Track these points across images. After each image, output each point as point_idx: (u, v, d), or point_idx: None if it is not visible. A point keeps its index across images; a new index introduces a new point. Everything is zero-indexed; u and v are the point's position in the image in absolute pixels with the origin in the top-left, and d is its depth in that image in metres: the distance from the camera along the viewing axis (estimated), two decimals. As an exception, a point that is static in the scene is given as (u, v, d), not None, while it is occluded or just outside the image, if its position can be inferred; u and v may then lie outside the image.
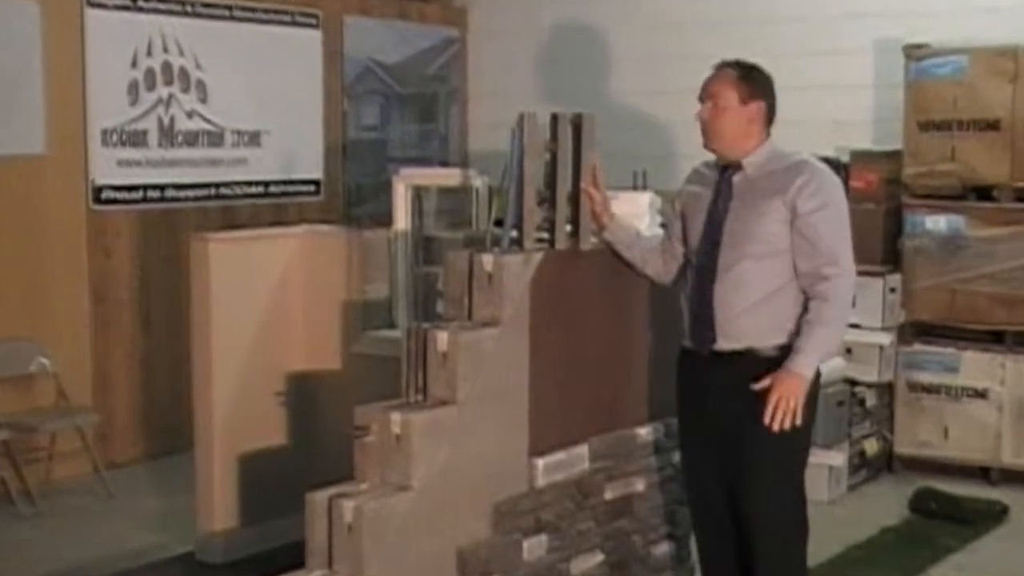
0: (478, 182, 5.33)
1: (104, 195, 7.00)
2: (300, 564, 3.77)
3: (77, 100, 6.84)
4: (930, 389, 7.03)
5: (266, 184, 7.85)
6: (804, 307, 4.02)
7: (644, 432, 4.68)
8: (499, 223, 4.28)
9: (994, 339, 6.93)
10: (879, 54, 7.45)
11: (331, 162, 8.29)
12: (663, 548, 4.80)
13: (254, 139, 7.74)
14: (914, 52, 7.00)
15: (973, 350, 6.94)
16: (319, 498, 3.73)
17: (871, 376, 6.94)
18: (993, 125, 6.78)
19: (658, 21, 8.30)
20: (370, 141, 8.62)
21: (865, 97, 7.53)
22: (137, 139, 7.11)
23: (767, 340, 4.04)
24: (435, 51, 9.03)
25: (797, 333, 4.01)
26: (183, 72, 7.32)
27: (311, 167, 8.16)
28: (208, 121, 7.47)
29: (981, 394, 6.89)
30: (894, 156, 7.12)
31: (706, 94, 4.10)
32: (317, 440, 5.49)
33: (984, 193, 6.91)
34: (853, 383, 6.86)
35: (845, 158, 7.05)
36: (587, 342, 4.40)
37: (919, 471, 6.96)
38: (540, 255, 4.17)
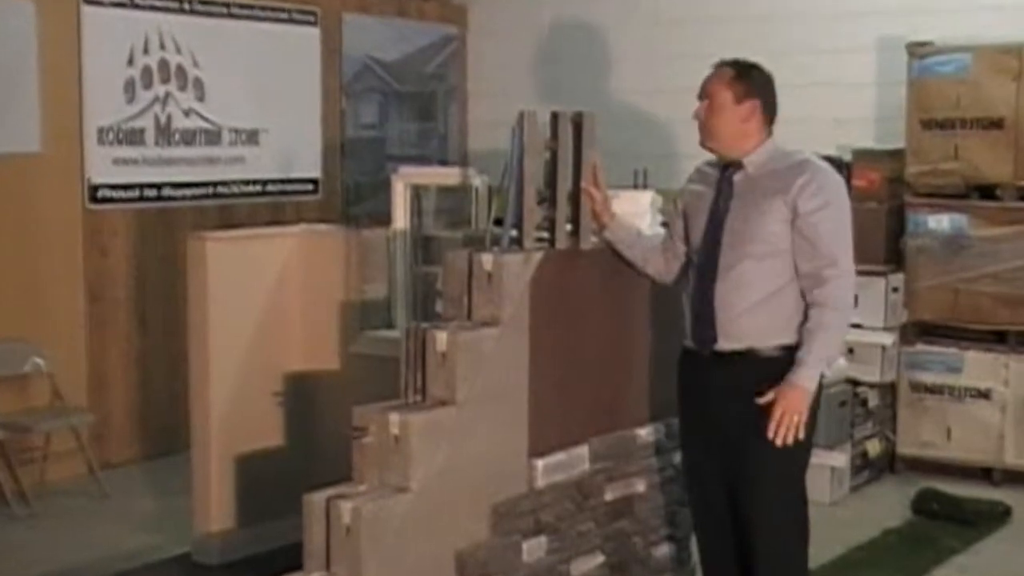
0: (477, 181, 5.33)
1: (100, 194, 6.97)
2: (298, 566, 3.76)
3: (73, 98, 6.81)
4: (933, 389, 7.01)
5: (264, 183, 7.83)
6: (806, 308, 4.01)
7: (645, 433, 4.68)
8: (499, 222, 4.28)
9: (997, 339, 6.91)
10: (882, 52, 7.44)
11: (329, 161, 8.28)
12: (664, 550, 4.80)
13: (252, 138, 7.72)
14: (917, 50, 6.99)
15: (976, 350, 6.92)
16: (317, 499, 3.72)
17: (873, 376, 6.91)
18: (997, 124, 6.76)
19: (659, 19, 8.28)
20: (369, 140, 8.61)
21: (868, 95, 7.51)
22: (134, 137, 7.09)
23: (768, 340, 4.03)
24: (434, 49, 9.01)
25: (799, 333, 3.99)
26: (180, 70, 7.29)
27: (309, 166, 8.14)
28: (205, 119, 7.44)
29: (984, 394, 6.88)
30: (897, 155, 7.10)
31: (703, 93, 4.10)
32: (315, 441, 5.49)
33: (987, 192, 6.89)
34: (855, 383, 6.85)
35: (847, 157, 7.03)
36: (587, 342, 4.39)
37: (921, 472, 6.94)
38: (540, 254, 4.17)
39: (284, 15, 7.87)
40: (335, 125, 8.31)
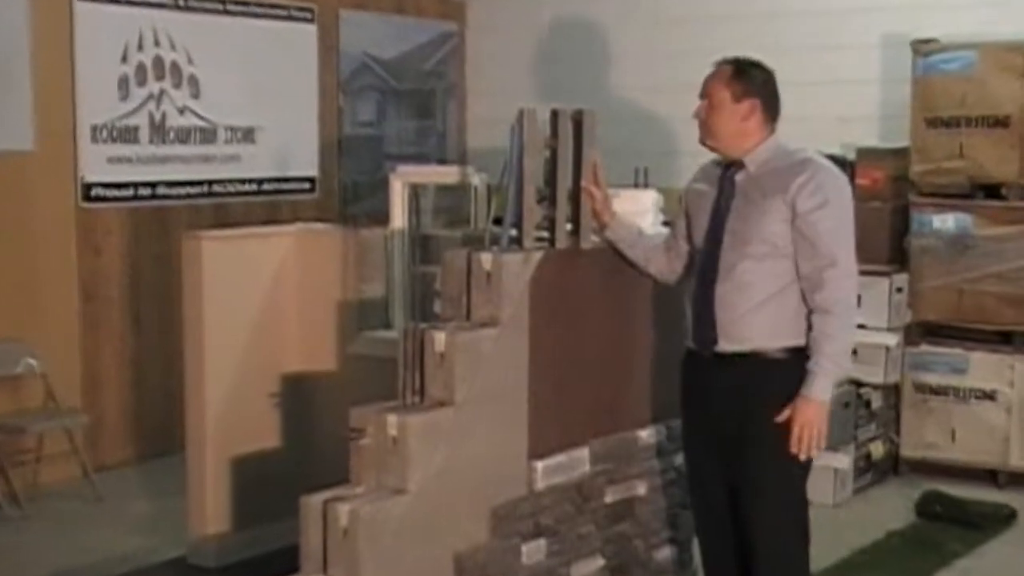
0: (476, 179, 5.32)
1: (94, 192, 6.95)
2: (294, 569, 3.75)
3: (66, 95, 6.79)
4: (937, 391, 7.00)
5: (260, 181, 7.82)
6: (809, 309, 3.99)
7: (646, 434, 4.67)
8: (498, 221, 4.27)
9: (1002, 340, 6.90)
10: (886, 49, 7.43)
11: (326, 159, 8.27)
12: (665, 553, 4.80)
13: (248, 135, 7.70)
14: (922, 47, 6.97)
15: (981, 351, 6.91)
16: (314, 502, 3.71)
17: (877, 377, 6.89)
18: (1002, 122, 6.75)
19: (660, 16, 8.28)
20: (366, 138, 8.60)
21: (872, 93, 7.50)
22: (128, 135, 7.06)
23: (773, 342, 4.00)
24: (433, 46, 9.01)
25: (806, 334, 3.97)
26: (175, 67, 7.27)
27: (306, 164, 8.12)
28: (201, 117, 7.42)
29: (989, 396, 6.87)
30: (901, 153, 7.09)
31: (703, 91, 4.09)
32: (312, 442, 5.48)
33: (993, 191, 6.88)
34: (859, 384, 6.83)
35: (851, 155, 7.03)
36: (588, 342, 4.38)
37: (926, 474, 6.93)
38: (540, 254, 4.15)
39: (281, 12, 7.86)
40: (332, 123, 8.30)
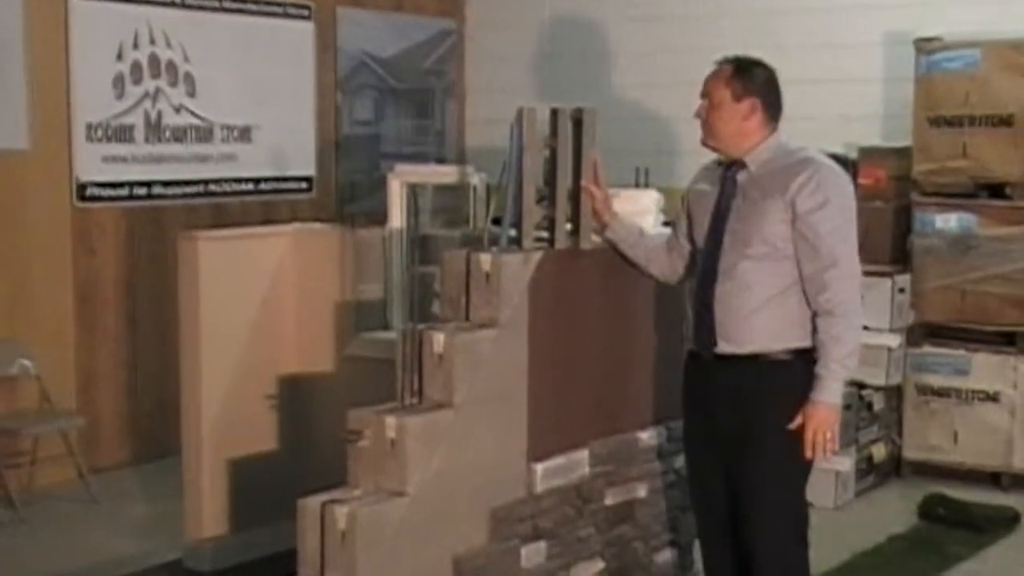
0: (475, 179, 5.31)
1: (89, 192, 6.92)
2: (291, 573, 3.77)
3: (61, 94, 6.76)
4: (940, 392, 6.98)
5: (257, 181, 7.80)
6: (813, 311, 3.99)
7: (646, 436, 4.70)
8: (497, 221, 4.29)
9: (1006, 341, 6.87)
10: (888, 47, 7.41)
11: (324, 158, 8.25)
12: (665, 555, 4.82)
13: (244, 134, 7.68)
14: (925, 45, 6.95)
15: (984, 352, 6.89)
16: (311, 505, 3.71)
17: (879, 379, 6.87)
18: (1006, 121, 6.73)
19: (661, 13, 8.26)
20: (364, 137, 8.58)
21: (874, 91, 7.48)
22: (123, 134, 7.04)
23: (777, 343, 4.00)
24: (431, 44, 8.99)
25: (809, 336, 3.97)
26: (171, 65, 7.24)
27: (303, 163, 8.11)
28: (197, 116, 7.40)
29: (992, 397, 6.85)
30: (903, 152, 7.08)
31: (704, 91, 4.09)
32: (309, 445, 5.48)
33: (996, 191, 6.85)
34: (860, 386, 6.80)
35: (853, 154, 7.01)
36: (587, 344, 4.40)
37: (928, 477, 6.91)
38: (539, 254, 4.16)
39: (277, 9, 7.84)
40: (330, 122, 8.28)
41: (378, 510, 3.66)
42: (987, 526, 6.16)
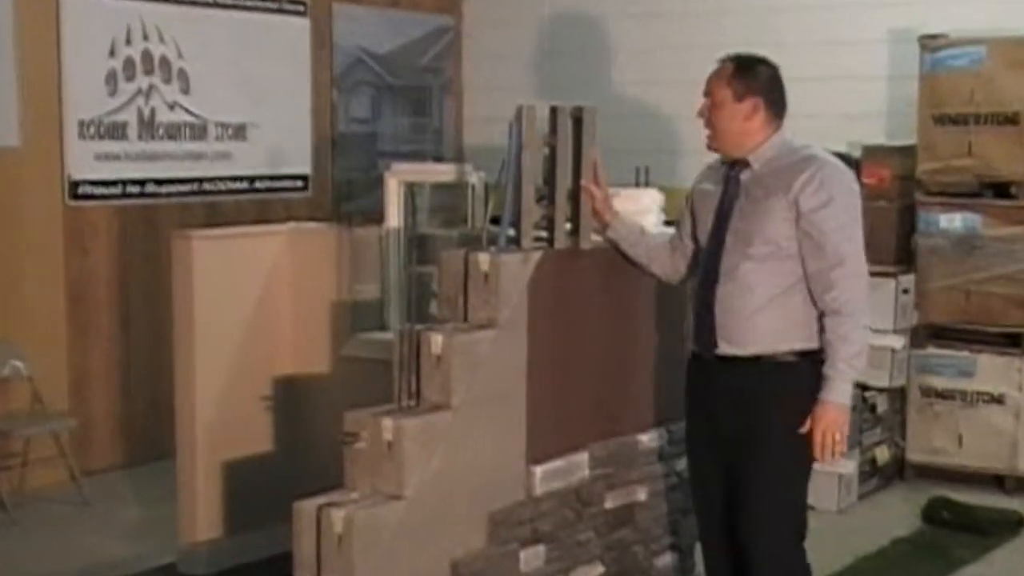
0: (474, 178, 5.30)
1: (81, 190, 6.91)
2: None
3: (52, 90, 6.74)
4: (944, 394, 6.96)
5: (251, 179, 7.79)
6: (819, 311, 3.97)
7: (647, 439, 4.72)
8: (496, 221, 4.28)
9: (1010, 342, 6.85)
10: (893, 44, 7.40)
11: (320, 156, 8.25)
12: (666, 559, 4.83)
13: (239, 132, 7.67)
14: (929, 43, 6.94)
15: (989, 353, 6.87)
16: (307, 507, 3.72)
17: (882, 381, 6.83)
18: (1012, 119, 6.72)
19: (662, 10, 8.26)
20: (360, 135, 8.58)
21: (878, 89, 7.47)
22: (116, 132, 7.02)
23: (781, 344, 3.98)
24: (428, 40, 9.00)
25: (815, 336, 3.96)
26: (164, 61, 7.23)
27: (299, 161, 8.10)
28: (191, 113, 7.39)
29: (997, 399, 6.83)
30: (908, 151, 7.07)
31: (706, 89, 4.09)
32: (305, 447, 5.49)
33: (1001, 190, 6.84)
34: (864, 388, 6.76)
35: (856, 153, 6.99)
36: (587, 345, 4.42)
37: (932, 479, 6.90)
38: (538, 254, 4.16)
39: (273, 5, 7.83)
40: (326, 119, 8.28)
41: (375, 513, 3.66)
42: (992, 530, 6.15)
